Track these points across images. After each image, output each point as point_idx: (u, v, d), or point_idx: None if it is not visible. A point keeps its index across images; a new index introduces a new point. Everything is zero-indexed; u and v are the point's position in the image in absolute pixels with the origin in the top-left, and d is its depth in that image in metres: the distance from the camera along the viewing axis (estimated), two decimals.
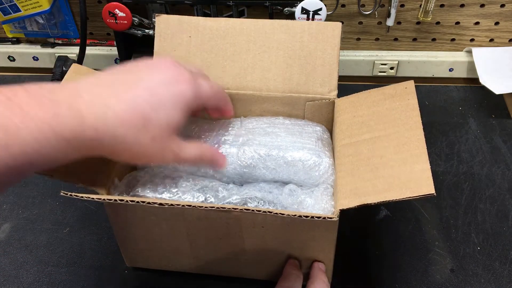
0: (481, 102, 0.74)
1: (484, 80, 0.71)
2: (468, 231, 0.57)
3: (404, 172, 0.41)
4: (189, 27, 0.56)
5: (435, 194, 0.38)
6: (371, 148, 0.45)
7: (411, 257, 0.55)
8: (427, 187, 0.39)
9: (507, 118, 0.71)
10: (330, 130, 0.56)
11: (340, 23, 0.54)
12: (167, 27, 0.56)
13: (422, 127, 0.45)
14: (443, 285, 0.52)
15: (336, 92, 0.54)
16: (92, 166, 0.47)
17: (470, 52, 0.76)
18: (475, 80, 0.73)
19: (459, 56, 0.77)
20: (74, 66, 0.54)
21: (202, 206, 0.42)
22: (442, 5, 0.71)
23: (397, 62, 0.77)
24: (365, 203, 0.40)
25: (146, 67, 0.41)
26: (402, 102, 0.48)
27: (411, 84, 0.50)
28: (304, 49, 0.54)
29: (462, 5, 0.71)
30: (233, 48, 0.55)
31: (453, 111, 0.73)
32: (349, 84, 0.79)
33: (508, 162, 0.64)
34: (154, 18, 0.56)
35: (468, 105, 0.74)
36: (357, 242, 0.56)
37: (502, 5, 0.71)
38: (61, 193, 0.41)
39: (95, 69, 0.84)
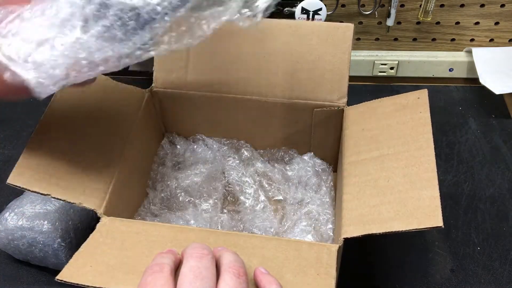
0: (481, 102, 0.74)
1: (484, 80, 0.71)
2: (468, 231, 0.57)
3: (411, 199, 0.39)
4: None
5: (442, 226, 0.36)
6: (378, 168, 0.43)
7: (411, 257, 0.55)
8: (435, 219, 0.37)
9: (507, 118, 0.71)
10: (338, 140, 0.55)
11: (352, 25, 0.51)
12: None
13: (433, 145, 0.42)
14: (443, 285, 0.52)
15: (345, 100, 0.52)
16: (88, 183, 0.47)
17: (470, 52, 0.76)
18: (475, 80, 0.73)
19: (459, 56, 0.77)
20: None
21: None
22: (442, 5, 0.71)
23: (397, 62, 0.77)
24: (370, 232, 0.39)
25: None
26: (414, 115, 0.45)
27: (424, 94, 0.47)
28: (312, 52, 0.52)
29: (462, 5, 0.71)
30: (238, 50, 0.53)
31: (453, 111, 0.73)
32: (349, 84, 0.78)
33: (508, 162, 0.64)
34: None
35: (468, 105, 0.74)
36: (357, 242, 0.56)
37: (502, 5, 0.71)
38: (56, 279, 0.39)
39: None
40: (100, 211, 0.46)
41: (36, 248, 0.51)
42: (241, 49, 0.53)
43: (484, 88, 0.70)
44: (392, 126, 0.46)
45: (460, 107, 0.74)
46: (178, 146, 0.62)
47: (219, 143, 0.61)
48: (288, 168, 0.59)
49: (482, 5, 0.71)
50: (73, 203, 0.44)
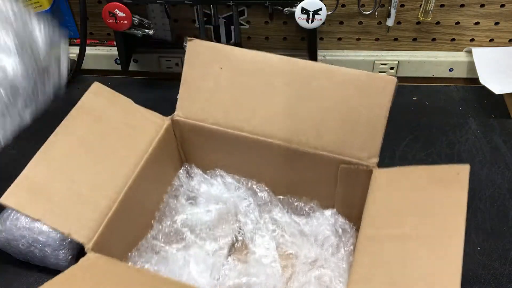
0: (481, 102, 0.74)
1: (484, 80, 0.71)
2: (468, 231, 0.56)
3: None
4: (221, 57, 0.51)
5: None
6: (396, 251, 0.38)
7: None
8: None
9: (507, 118, 0.71)
10: (362, 202, 0.47)
11: (395, 79, 0.46)
12: (198, 53, 0.51)
13: (463, 236, 0.37)
14: None
15: (376, 160, 0.46)
16: (85, 211, 0.44)
17: (470, 52, 0.76)
18: (475, 80, 0.73)
19: (459, 56, 0.77)
20: (95, 85, 0.51)
21: None
22: (442, 5, 0.71)
23: (397, 62, 0.77)
24: None
25: None
26: (449, 195, 0.40)
27: (465, 171, 0.40)
28: (346, 102, 0.47)
29: (462, 5, 0.71)
30: (266, 89, 0.49)
31: (453, 111, 0.73)
32: None
33: (508, 162, 0.64)
34: (186, 42, 0.52)
35: (468, 105, 0.74)
36: None
37: (502, 5, 0.71)
38: None
39: (95, 69, 0.85)
40: (88, 246, 0.43)
41: (36, 248, 0.51)
42: (271, 88, 0.49)
43: (484, 88, 0.70)
44: (421, 204, 0.41)
45: (460, 107, 0.74)
46: (195, 180, 0.59)
47: (238, 182, 0.57)
48: (306, 221, 0.55)
49: (482, 5, 0.71)
50: (62, 232, 0.42)
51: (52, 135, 0.47)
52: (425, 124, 0.71)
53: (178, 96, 0.54)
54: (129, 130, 0.50)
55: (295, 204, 0.56)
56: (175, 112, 0.54)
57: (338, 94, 0.47)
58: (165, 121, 0.54)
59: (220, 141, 0.54)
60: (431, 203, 0.40)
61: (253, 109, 0.50)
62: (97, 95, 0.50)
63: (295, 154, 0.50)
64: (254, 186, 0.57)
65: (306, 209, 0.56)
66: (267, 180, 0.56)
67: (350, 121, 0.47)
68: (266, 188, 0.57)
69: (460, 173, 0.41)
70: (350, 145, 0.47)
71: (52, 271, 0.54)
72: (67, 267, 0.40)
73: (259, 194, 0.57)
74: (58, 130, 0.47)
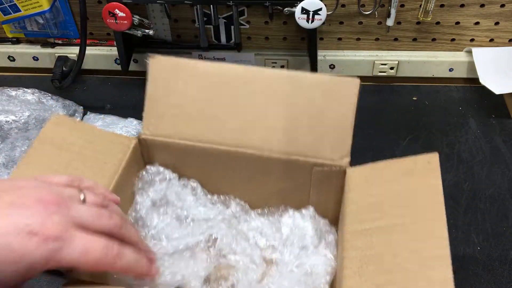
0: (481, 102, 0.74)
1: (484, 80, 0.71)
2: (468, 231, 0.57)
3: (420, 280, 0.36)
4: (186, 72, 0.51)
5: None
6: (383, 241, 0.39)
7: None
8: None
9: (507, 118, 0.71)
10: (339, 202, 0.50)
11: (358, 80, 0.48)
12: (161, 70, 0.51)
13: (445, 218, 0.39)
14: None
15: (348, 159, 0.47)
16: None
17: (470, 52, 0.76)
18: (475, 80, 0.73)
19: (459, 56, 0.77)
20: (56, 117, 0.49)
21: None
22: (442, 5, 0.71)
23: (397, 62, 0.77)
24: None
25: (10, 192, 0.32)
26: (423, 181, 0.42)
27: (435, 158, 0.42)
28: (313, 107, 0.48)
29: (462, 5, 0.71)
30: (235, 100, 0.50)
31: (453, 111, 0.73)
32: None
33: (508, 162, 0.64)
34: (148, 59, 0.51)
35: (468, 105, 0.74)
36: None
37: (502, 5, 0.71)
38: None
39: (95, 69, 0.85)
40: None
41: None
42: (239, 98, 0.50)
43: (484, 88, 0.70)
44: (400, 194, 0.42)
45: (460, 107, 0.74)
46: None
47: (212, 197, 0.56)
48: (282, 226, 0.54)
49: (482, 5, 0.71)
50: None
51: (15, 168, 0.45)
52: (425, 124, 0.71)
53: (143, 115, 0.52)
54: (95, 155, 0.49)
55: (271, 211, 0.55)
56: (142, 131, 0.52)
57: (305, 99, 0.49)
58: (132, 140, 0.52)
59: (189, 157, 0.53)
60: (410, 193, 0.41)
61: (222, 121, 0.50)
62: (59, 125, 0.49)
63: (267, 162, 0.50)
64: (230, 201, 0.56)
65: (283, 216, 0.55)
66: (242, 194, 0.56)
67: (319, 124, 0.48)
68: (241, 202, 0.56)
69: (431, 161, 0.42)
70: (322, 147, 0.48)
71: (52, 271, 0.54)
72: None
73: (234, 208, 0.55)
74: (20, 163, 0.46)
